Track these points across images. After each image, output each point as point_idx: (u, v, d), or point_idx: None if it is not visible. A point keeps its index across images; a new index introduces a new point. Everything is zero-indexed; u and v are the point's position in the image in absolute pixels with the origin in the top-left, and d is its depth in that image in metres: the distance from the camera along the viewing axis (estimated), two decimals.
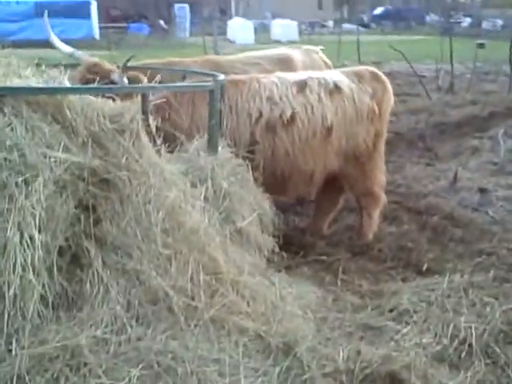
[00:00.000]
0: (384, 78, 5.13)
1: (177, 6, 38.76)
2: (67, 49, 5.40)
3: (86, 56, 5.40)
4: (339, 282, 4.50)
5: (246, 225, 3.78)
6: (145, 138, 3.29)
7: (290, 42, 28.96)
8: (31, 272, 2.74)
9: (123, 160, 3.11)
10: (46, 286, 2.86)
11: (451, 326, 3.79)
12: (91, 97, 3.15)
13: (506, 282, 4.57)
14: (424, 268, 4.74)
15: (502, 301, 4.16)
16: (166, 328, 3.08)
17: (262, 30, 38.73)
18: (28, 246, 2.74)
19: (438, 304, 4.11)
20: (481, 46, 16.02)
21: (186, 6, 38.76)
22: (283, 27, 34.63)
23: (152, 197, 3.16)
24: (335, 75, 4.97)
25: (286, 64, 6.05)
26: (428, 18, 47.21)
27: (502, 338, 3.71)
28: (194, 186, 3.63)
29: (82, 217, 3.04)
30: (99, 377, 2.72)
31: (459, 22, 42.67)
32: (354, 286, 4.48)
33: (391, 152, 8.18)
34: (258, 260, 3.75)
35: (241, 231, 3.76)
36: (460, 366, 3.45)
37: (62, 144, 2.92)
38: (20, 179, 2.73)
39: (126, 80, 4.45)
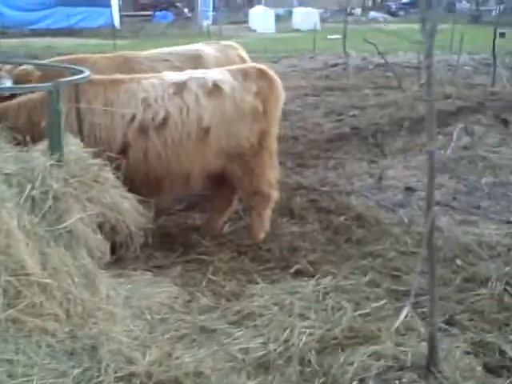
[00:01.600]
0: (272, 75, 5.08)
1: None
2: None
3: None
4: (204, 283, 4.49)
5: (78, 226, 3.77)
6: None
7: (310, 31, 28.74)
8: None
9: None
10: None
11: (287, 331, 3.76)
12: None
13: (376, 286, 4.51)
14: (292, 270, 4.68)
15: (359, 306, 4.12)
16: None
17: (286, 19, 38.50)
18: None
19: (287, 308, 4.08)
20: (502, 35, 15.48)
21: None
22: (304, 15, 34.36)
23: None
24: (218, 74, 4.93)
25: (196, 61, 6.03)
26: (458, 5, 45.88)
27: (330, 346, 3.66)
28: (20, 186, 3.64)
29: None
30: None
31: (490, 10, 41.36)
32: (216, 287, 4.46)
33: (338, 148, 8.12)
34: (86, 261, 3.74)
35: (71, 232, 3.75)
36: (270, 372, 3.43)
37: None
38: None
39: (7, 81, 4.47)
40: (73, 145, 4.23)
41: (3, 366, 3.14)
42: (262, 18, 34.67)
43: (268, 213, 5.22)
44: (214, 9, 39.93)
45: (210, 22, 37.53)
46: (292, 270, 4.68)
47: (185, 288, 4.42)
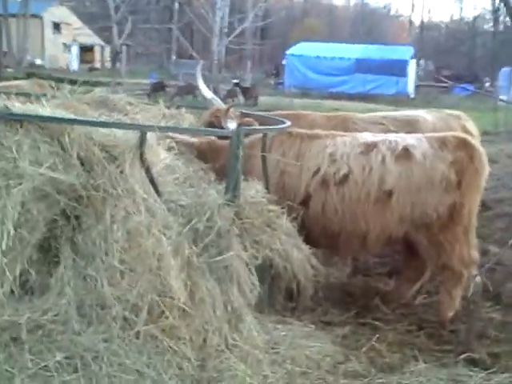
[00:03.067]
0: (474, 146, 4.73)
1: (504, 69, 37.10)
2: (208, 94, 6.19)
3: (219, 103, 6.15)
4: (365, 348, 4.31)
5: (234, 263, 3.97)
6: (135, 169, 3.83)
7: None
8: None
9: (101, 182, 3.70)
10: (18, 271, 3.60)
11: None
12: (94, 127, 3.83)
13: None
14: (463, 356, 4.16)
15: None
16: (103, 331, 3.54)
17: None
18: (2, 236, 3.52)
19: None
20: None
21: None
22: None
23: (119, 217, 3.68)
24: (412, 139, 4.78)
25: (411, 126, 5.86)
26: None
27: None
28: (189, 218, 4.00)
29: (61, 223, 3.72)
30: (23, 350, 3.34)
31: None
32: (376, 356, 4.28)
33: None
34: (235, 298, 3.89)
35: (227, 268, 3.97)
36: None
37: (51, 161, 3.66)
38: (5, 183, 3.55)
39: (232, 125, 4.97)
40: (254, 189, 4.46)
41: (132, 376, 3.43)
42: None
43: (458, 291, 4.77)
44: None
45: (507, 97, 35.66)
46: (462, 357, 4.16)
47: (343, 349, 4.28)
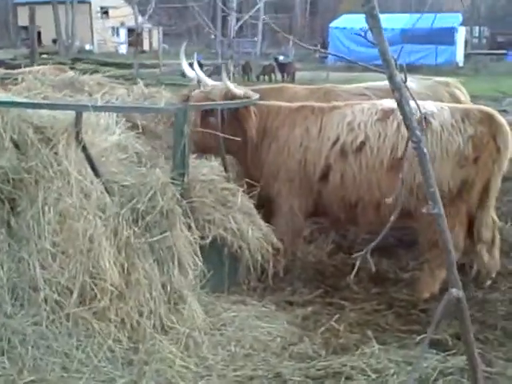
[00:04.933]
0: (500, 122, 4.42)
1: None
2: (191, 73, 6.05)
3: (209, 81, 6.00)
4: (322, 329, 4.14)
5: (177, 243, 3.87)
6: (71, 150, 3.77)
7: None
8: None
9: (34, 165, 3.66)
10: None
11: None
12: (27, 110, 3.78)
13: None
14: (423, 338, 3.95)
15: None
16: (34, 314, 3.53)
17: None
18: None
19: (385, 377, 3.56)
20: None
21: None
22: None
23: (52, 200, 3.64)
24: (434, 107, 4.51)
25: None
26: None
27: None
28: (132, 198, 3.92)
29: None
30: None
31: None
32: (332, 337, 4.11)
33: None
34: (176, 279, 3.81)
35: (170, 248, 3.88)
36: None
37: None
38: None
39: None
40: (207, 167, 4.34)
41: (60, 358, 3.42)
42: None
43: (442, 273, 4.49)
44: None
45: None
46: (421, 337, 3.94)
47: (299, 330, 4.13)
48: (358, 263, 2.55)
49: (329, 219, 5.23)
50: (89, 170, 3.83)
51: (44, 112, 3.87)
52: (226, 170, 4.48)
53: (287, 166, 4.70)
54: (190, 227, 4.01)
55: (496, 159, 4.39)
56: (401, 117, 4.34)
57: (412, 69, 29.78)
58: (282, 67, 25.16)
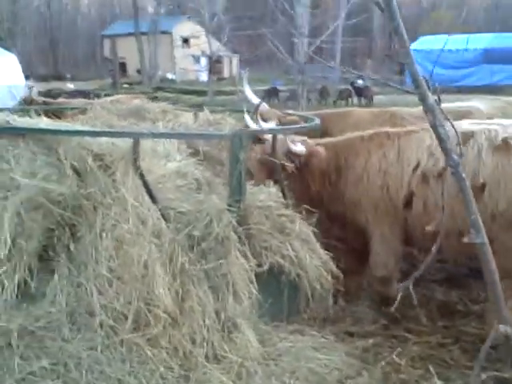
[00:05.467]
0: None
1: None
2: (254, 100, 6.09)
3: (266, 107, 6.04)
4: (383, 363, 3.97)
5: (232, 270, 3.85)
6: (128, 177, 3.84)
7: None
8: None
9: (93, 192, 3.75)
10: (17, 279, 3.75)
11: None
12: (87, 137, 3.89)
13: None
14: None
15: None
16: (89, 338, 3.58)
17: None
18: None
19: None
20: None
21: None
22: None
23: (109, 226, 3.71)
24: None
25: (465, 118, 5.34)
26: None
27: None
28: (188, 225, 3.94)
29: (57, 232, 3.82)
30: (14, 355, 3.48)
31: None
32: (392, 372, 3.93)
33: None
34: (230, 306, 3.77)
35: (225, 276, 3.86)
36: None
37: (45, 172, 3.77)
38: (1, 195, 3.71)
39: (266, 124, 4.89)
40: (265, 193, 4.30)
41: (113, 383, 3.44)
42: None
43: None
44: None
45: None
46: (485, 376, 3.69)
47: (359, 362, 3.98)
48: (400, 293, 2.37)
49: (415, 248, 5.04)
50: (146, 196, 3.87)
51: (103, 140, 3.96)
52: (284, 196, 4.42)
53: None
54: (245, 254, 3.95)
55: None
56: (482, 141, 4.23)
57: (496, 89, 28.87)
58: (359, 91, 24.98)
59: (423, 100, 1.85)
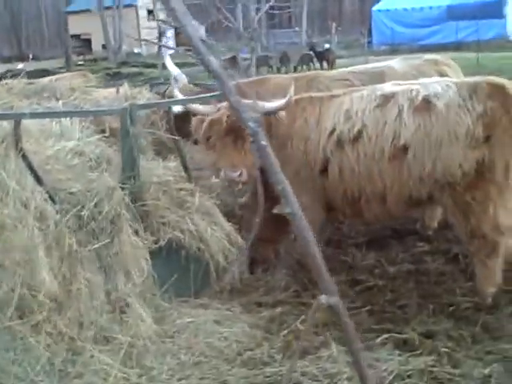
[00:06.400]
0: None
1: None
2: (174, 70, 5.95)
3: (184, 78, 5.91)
4: (286, 331, 3.92)
5: (124, 249, 3.76)
6: (9, 160, 3.70)
7: None
8: None
9: None
10: None
11: None
12: None
13: None
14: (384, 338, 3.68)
15: None
16: None
17: None
18: None
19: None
20: None
21: None
22: None
23: None
24: (438, 86, 4.16)
25: (378, 80, 5.23)
26: None
27: None
28: (78, 205, 3.82)
29: None
30: None
31: None
32: (294, 341, 3.85)
33: None
34: (121, 285, 3.69)
35: (117, 255, 3.77)
36: None
37: None
38: None
39: None
40: (163, 168, 4.20)
41: None
42: None
43: (497, 261, 4.11)
44: None
45: None
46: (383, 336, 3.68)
47: (262, 333, 3.93)
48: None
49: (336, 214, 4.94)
50: (30, 179, 3.74)
51: None
52: (186, 169, 4.31)
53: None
54: (138, 232, 3.86)
55: (508, 134, 3.95)
56: (402, 101, 4.13)
57: (462, 46, 28.75)
58: (320, 55, 24.68)
59: (207, 66, 1.72)
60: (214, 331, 3.85)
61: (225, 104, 4.28)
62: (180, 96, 4.90)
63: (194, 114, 4.53)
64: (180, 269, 4.17)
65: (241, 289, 4.51)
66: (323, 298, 2.03)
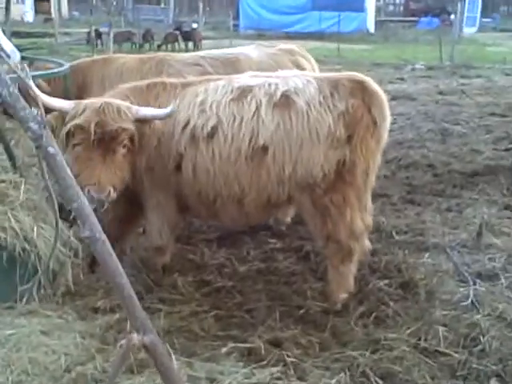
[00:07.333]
0: (375, 92, 3.79)
1: None
2: (8, 47, 5.28)
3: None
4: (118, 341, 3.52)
5: None
6: None
7: None
8: None
9: None
10: None
11: None
12: None
13: None
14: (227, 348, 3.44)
15: None
16: None
17: None
18: None
19: None
20: None
21: None
22: None
23: None
24: (300, 82, 3.83)
25: (231, 66, 5.02)
26: None
27: None
28: None
29: None
30: None
31: None
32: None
33: (476, 185, 6.31)
34: None
35: None
36: None
37: None
38: None
39: None
40: None
41: None
42: None
43: (350, 267, 3.96)
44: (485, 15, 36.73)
45: (475, 29, 34.67)
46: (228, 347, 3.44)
47: (97, 344, 3.52)
48: None
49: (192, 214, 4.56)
50: None
51: None
52: (11, 158, 3.76)
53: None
54: None
55: (373, 134, 3.79)
56: (260, 96, 3.79)
57: (324, 36, 29.54)
58: (187, 35, 24.15)
59: None
60: (40, 343, 3.40)
61: (87, 101, 3.69)
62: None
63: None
64: (1, 272, 3.65)
65: (77, 291, 4.07)
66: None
